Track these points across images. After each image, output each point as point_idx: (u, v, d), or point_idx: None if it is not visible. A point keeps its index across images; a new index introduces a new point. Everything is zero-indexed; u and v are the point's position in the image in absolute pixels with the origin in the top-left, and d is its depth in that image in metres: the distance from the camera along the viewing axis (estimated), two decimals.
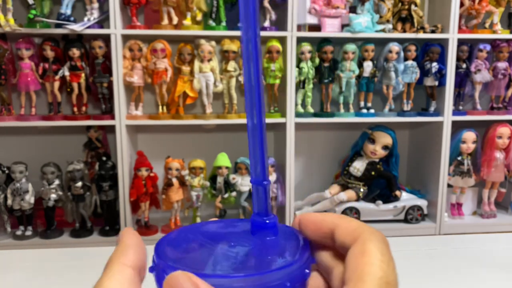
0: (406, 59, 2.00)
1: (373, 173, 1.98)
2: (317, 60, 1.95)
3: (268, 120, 1.91)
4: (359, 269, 0.25)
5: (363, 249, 0.26)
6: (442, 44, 1.97)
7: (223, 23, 1.87)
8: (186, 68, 1.86)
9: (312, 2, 1.92)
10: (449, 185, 2.06)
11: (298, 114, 1.94)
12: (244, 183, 1.91)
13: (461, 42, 1.98)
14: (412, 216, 2.00)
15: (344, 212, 1.95)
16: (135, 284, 0.27)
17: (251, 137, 0.30)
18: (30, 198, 1.80)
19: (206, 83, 1.86)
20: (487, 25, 2.03)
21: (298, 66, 1.92)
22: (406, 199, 2.03)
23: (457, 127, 2.03)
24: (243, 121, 1.90)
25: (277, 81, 1.93)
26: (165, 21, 1.83)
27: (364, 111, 2.01)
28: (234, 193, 1.91)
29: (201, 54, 1.83)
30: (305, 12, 1.93)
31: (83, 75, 1.82)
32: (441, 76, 1.98)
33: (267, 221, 0.31)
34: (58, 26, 1.75)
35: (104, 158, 1.87)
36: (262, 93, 0.29)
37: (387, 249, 0.26)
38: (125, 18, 1.86)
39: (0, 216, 1.82)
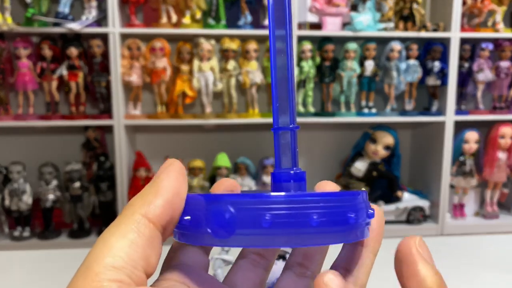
0: (408, 58, 1.98)
1: (374, 173, 1.96)
2: (318, 59, 1.93)
3: (268, 120, 1.89)
4: None
5: None
6: (444, 43, 1.95)
7: (223, 22, 1.85)
8: (185, 67, 1.85)
9: (313, 0, 1.91)
10: (451, 186, 2.05)
11: (298, 114, 1.92)
12: (244, 183, 1.89)
13: (463, 41, 1.96)
14: (414, 217, 1.98)
15: None
16: (154, 246, 0.21)
17: (275, 73, 0.25)
18: (28, 199, 1.78)
19: (206, 82, 1.84)
20: (489, 23, 2.01)
21: (298, 65, 1.90)
22: (408, 200, 2.01)
23: (460, 127, 2.01)
24: (243, 121, 1.88)
25: None
26: (164, 19, 1.82)
27: (366, 110, 1.99)
28: None
29: (200, 53, 1.81)
30: (306, 10, 1.91)
31: (81, 74, 1.80)
32: (443, 75, 1.96)
33: (292, 172, 0.25)
34: (56, 25, 1.73)
35: (102, 159, 1.85)
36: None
37: None
38: (123, 16, 1.84)
39: None
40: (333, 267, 0.25)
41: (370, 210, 0.24)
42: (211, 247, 0.28)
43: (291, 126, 0.25)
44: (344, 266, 0.25)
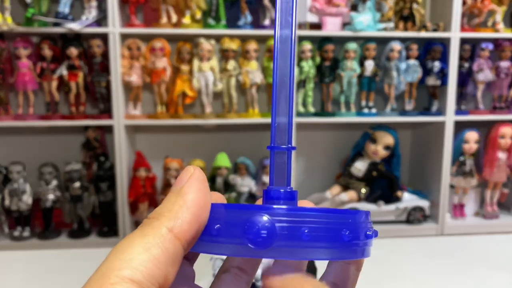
0: (408, 58, 1.98)
1: (374, 173, 1.96)
2: (318, 59, 1.93)
3: (268, 120, 1.89)
4: None
5: None
6: (444, 43, 1.95)
7: (223, 22, 1.85)
8: (185, 67, 1.85)
9: (313, 0, 1.91)
10: (451, 186, 2.04)
11: (298, 114, 1.92)
12: (244, 183, 1.89)
13: (463, 41, 1.96)
14: (414, 217, 1.98)
15: None
16: (175, 263, 0.21)
17: (276, 93, 0.25)
18: (27, 199, 1.78)
19: (206, 82, 1.84)
20: (489, 23, 2.01)
21: (298, 65, 1.90)
22: (408, 200, 2.01)
23: (460, 127, 2.01)
24: (243, 120, 1.88)
25: None
26: (164, 19, 1.82)
27: (366, 110, 1.99)
28: (233, 194, 1.89)
29: (200, 53, 1.81)
30: (305, 10, 1.91)
31: (81, 74, 1.80)
32: (443, 75, 1.96)
33: (282, 190, 0.25)
34: (56, 25, 1.73)
35: (102, 159, 1.85)
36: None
37: None
38: (123, 16, 1.84)
39: None
40: (321, 280, 0.26)
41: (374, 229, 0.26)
42: (196, 258, 0.28)
43: (287, 146, 0.26)
44: (333, 281, 0.26)
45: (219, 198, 0.28)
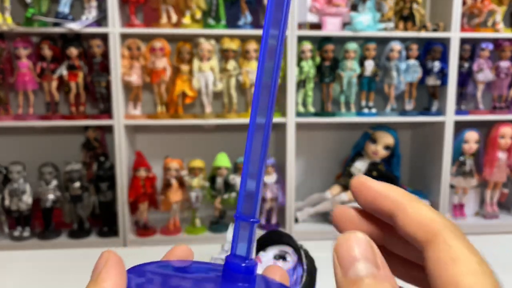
0: (408, 58, 1.98)
1: (374, 173, 1.96)
2: (318, 59, 1.93)
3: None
4: (454, 282, 0.20)
5: (452, 255, 0.20)
6: (444, 43, 1.95)
7: (223, 22, 1.85)
8: (185, 67, 1.85)
9: (313, 0, 1.91)
10: (451, 186, 2.05)
11: (298, 114, 1.92)
12: None
13: (463, 41, 1.96)
14: None
15: None
16: None
17: (246, 167, 0.25)
18: (27, 199, 1.78)
19: (206, 82, 1.84)
20: (489, 23, 2.01)
21: (298, 65, 1.90)
22: None
23: (460, 127, 2.01)
24: (243, 120, 1.88)
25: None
26: (164, 19, 1.82)
27: (366, 110, 1.99)
28: (233, 194, 1.89)
29: (200, 53, 1.81)
30: (306, 10, 1.91)
31: (81, 74, 1.80)
32: (443, 75, 1.96)
33: (243, 264, 0.25)
34: (56, 25, 1.73)
35: (102, 159, 1.85)
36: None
37: (476, 251, 0.21)
38: (123, 16, 1.84)
39: None
40: None
41: None
42: None
43: (252, 220, 0.25)
44: None
45: (186, 253, 0.27)
